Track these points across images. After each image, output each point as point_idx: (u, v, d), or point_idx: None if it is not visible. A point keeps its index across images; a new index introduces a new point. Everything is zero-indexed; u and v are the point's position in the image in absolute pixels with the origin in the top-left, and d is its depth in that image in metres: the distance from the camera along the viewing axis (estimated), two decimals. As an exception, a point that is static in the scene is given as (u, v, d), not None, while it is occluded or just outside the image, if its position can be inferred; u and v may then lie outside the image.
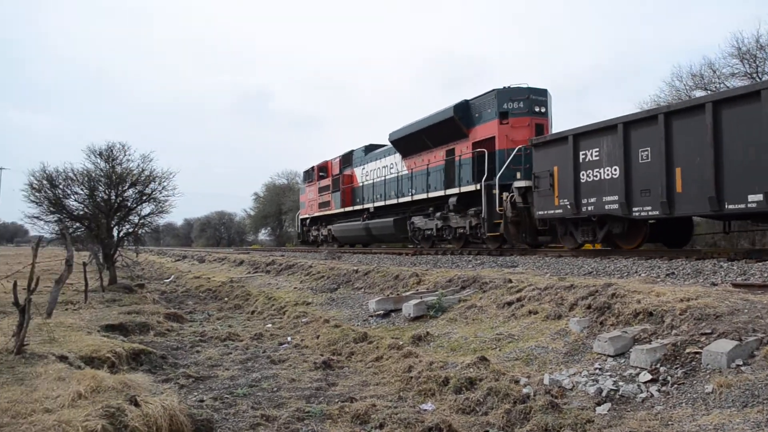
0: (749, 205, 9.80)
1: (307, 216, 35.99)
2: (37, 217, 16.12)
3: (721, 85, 25.20)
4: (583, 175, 13.40)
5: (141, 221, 17.81)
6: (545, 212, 14.61)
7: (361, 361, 7.56)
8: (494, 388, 5.32)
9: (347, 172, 29.89)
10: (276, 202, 68.88)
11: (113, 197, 16.75)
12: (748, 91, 10.04)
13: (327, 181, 32.23)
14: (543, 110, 17.82)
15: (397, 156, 24.32)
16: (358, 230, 27.53)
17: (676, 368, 5.06)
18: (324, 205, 32.47)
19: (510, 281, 9.21)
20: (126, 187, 16.98)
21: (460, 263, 14.08)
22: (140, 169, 17.18)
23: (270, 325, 10.90)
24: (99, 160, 16.98)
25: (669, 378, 4.98)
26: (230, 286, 17.06)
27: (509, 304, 8.30)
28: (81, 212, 16.77)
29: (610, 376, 5.33)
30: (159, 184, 17.28)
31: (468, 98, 19.47)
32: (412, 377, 6.23)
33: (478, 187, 17.87)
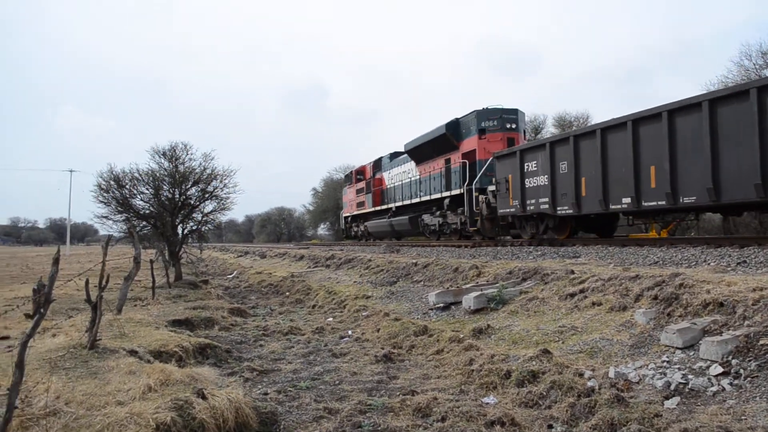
0: (623, 206, 13.25)
1: (348, 214, 40.60)
2: (105, 217, 16.77)
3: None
4: (527, 182, 16.85)
5: (204, 218, 18.30)
6: (504, 211, 18.17)
7: (421, 354, 7.57)
8: (557, 381, 5.25)
9: (378, 176, 34.76)
10: (334, 197, 69.41)
11: (177, 196, 17.25)
12: (620, 122, 13.18)
13: (362, 184, 36.88)
14: (513, 126, 21.95)
15: (413, 163, 28.37)
16: (385, 226, 31.78)
17: (750, 361, 4.88)
18: (360, 204, 37.11)
19: (572, 272, 9.05)
20: (189, 186, 17.47)
21: (520, 255, 13.90)
22: (202, 168, 17.65)
23: (331, 319, 11.04)
24: (163, 160, 17.53)
25: (742, 371, 4.80)
26: (291, 281, 17.34)
27: (572, 295, 8.16)
28: (147, 211, 17.34)
29: (679, 369, 5.18)
30: (220, 181, 17.72)
31: (458, 117, 23.71)
32: (473, 370, 6.20)
33: (462, 191, 21.85)
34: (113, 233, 17.15)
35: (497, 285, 9.59)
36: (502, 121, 21.80)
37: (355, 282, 14.90)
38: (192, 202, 17.67)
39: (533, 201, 16.47)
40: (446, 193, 23.72)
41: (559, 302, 8.21)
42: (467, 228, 21.63)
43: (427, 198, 25.87)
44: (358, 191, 37.65)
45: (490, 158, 20.20)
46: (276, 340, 9.12)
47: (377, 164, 35.20)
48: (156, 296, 12.64)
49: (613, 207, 13.44)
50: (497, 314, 8.66)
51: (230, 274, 25.03)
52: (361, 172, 38.35)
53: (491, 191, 19.35)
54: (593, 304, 7.59)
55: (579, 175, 14.54)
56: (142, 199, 17.32)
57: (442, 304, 9.91)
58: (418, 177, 27.50)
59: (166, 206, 17.03)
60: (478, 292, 9.29)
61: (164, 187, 17.33)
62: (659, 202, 12.17)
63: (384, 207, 32.46)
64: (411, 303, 11.14)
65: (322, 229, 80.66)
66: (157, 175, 17.32)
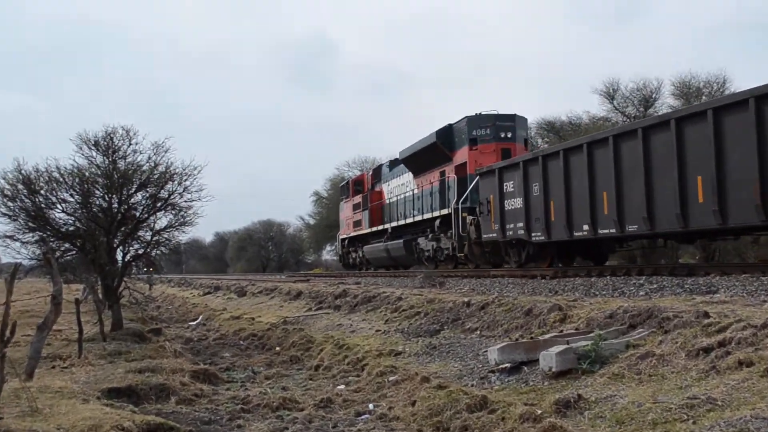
0: (582, 233, 17.25)
1: (345, 236, 44.17)
2: (10, 237, 16.83)
3: None
4: (506, 203, 20.60)
5: (155, 238, 18.33)
6: (487, 235, 22.20)
7: (479, 440, 7.49)
8: (688, 482, 5.14)
9: (377, 188, 39.32)
10: (345, 206, 69.51)
11: (115, 205, 17.29)
12: (578, 144, 17.45)
13: (360, 198, 40.27)
14: (509, 135, 26.01)
15: (410, 174, 32.62)
16: (381, 252, 35.88)
17: None
18: (357, 224, 40.76)
19: (706, 315, 8.93)
20: (133, 190, 17.50)
21: (625, 288, 13.76)
22: (152, 164, 17.65)
23: (342, 387, 11.04)
24: (94, 153, 17.54)
25: None
26: (284, 330, 17.38)
27: (707, 350, 8.03)
28: (71, 228, 17.40)
29: None
30: (179, 184, 17.72)
31: (452, 122, 27.98)
32: (558, 465, 6.11)
33: (449, 211, 25.80)
34: (21, 260, 17.24)
35: (592, 335, 9.49)
36: (495, 129, 25.94)
37: (378, 331, 14.90)
38: (137, 214, 17.72)
39: (512, 225, 20.38)
40: (437, 213, 27.88)
41: (688, 361, 8.08)
42: (457, 253, 25.70)
43: (420, 218, 30.10)
44: (355, 207, 41.74)
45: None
46: (261, 419, 9.11)
47: (377, 173, 39.92)
48: (84, 353, 12.69)
49: (576, 234, 17.51)
50: (592, 379, 8.57)
51: (194, 321, 25.16)
52: (359, 182, 43.24)
53: (479, 212, 23.16)
54: (740, 363, 7.45)
55: (548, 199, 18.46)
56: (64, 210, 17.37)
57: (508, 364, 9.83)
58: (414, 191, 31.88)
59: (100, 220, 17.10)
60: (564, 346, 9.20)
61: (97, 192, 17.39)
62: (611, 230, 16.25)
63: (380, 228, 36.70)
64: (462, 362, 11.10)
65: (329, 253, 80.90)
66: (87, 175, 17.36)
